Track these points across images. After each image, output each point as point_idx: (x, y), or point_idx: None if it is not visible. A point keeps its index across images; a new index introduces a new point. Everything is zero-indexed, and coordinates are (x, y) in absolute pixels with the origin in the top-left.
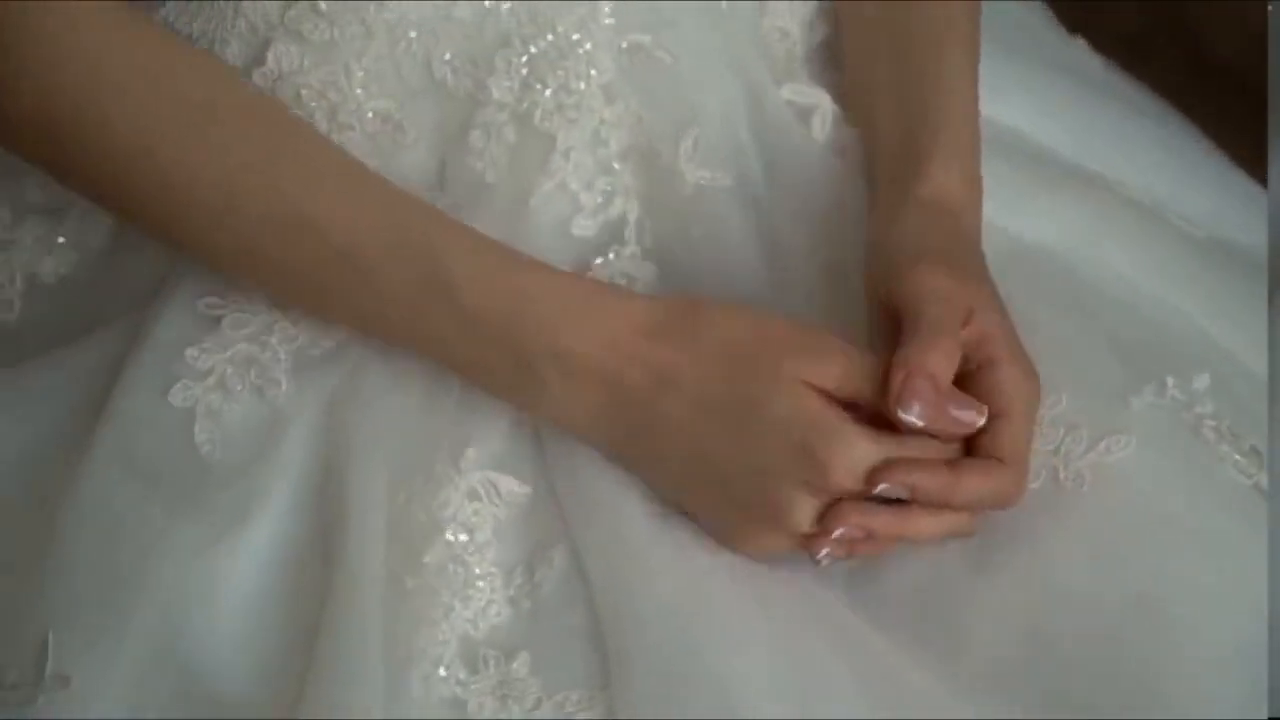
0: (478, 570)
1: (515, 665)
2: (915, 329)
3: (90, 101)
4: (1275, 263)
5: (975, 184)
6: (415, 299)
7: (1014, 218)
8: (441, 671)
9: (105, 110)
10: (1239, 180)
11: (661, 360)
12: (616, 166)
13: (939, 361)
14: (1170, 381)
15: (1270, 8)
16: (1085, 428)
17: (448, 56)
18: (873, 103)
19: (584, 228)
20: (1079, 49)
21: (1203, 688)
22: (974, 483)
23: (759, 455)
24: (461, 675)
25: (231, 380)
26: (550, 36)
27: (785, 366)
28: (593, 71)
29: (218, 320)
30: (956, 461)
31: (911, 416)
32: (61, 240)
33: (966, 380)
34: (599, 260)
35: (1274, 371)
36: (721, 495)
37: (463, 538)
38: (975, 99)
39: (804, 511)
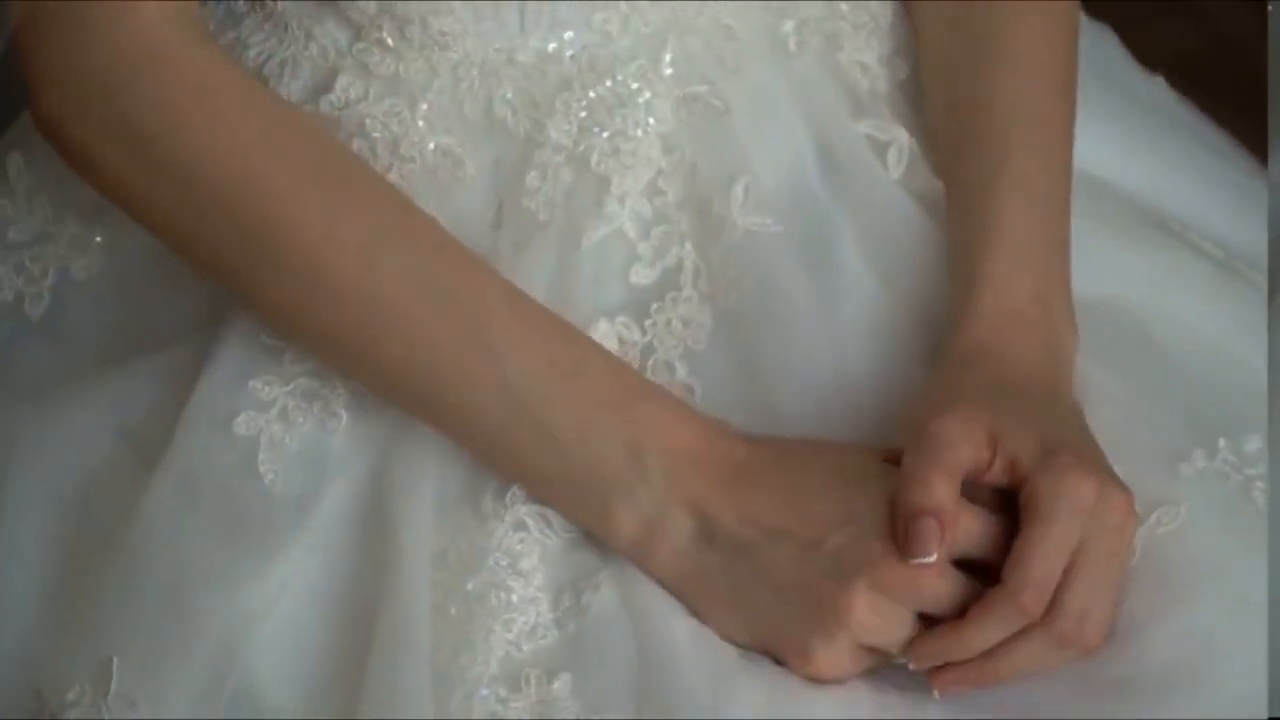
0: (520, 595)
1: (556, 685)
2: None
3: (239, 163)
4: (1275, 263)
5: (1040, 301)
6: (545, 384)
7: (1086, 271)
8: (483, 691)
9: (245, 166)
10: None
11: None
12: (673, 215)
13: (929, 496)
14: (1221, 444)
15: (1270, 8)
16: (1138, 501)
17: (509, 96)
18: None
19: (643, 275)
20: (1158, 86)
21: None
22: (976, 632)
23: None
24: (502, 693)
25: (293, 413)
26: (609, 83)
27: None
28: (650, 120)
29: (280, 353)
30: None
31: (929, 560)
32: (99, 239)
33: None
34: (656, 305)
35: (1274, 372)
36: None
37: (505, 564)
38: (1050, 188)
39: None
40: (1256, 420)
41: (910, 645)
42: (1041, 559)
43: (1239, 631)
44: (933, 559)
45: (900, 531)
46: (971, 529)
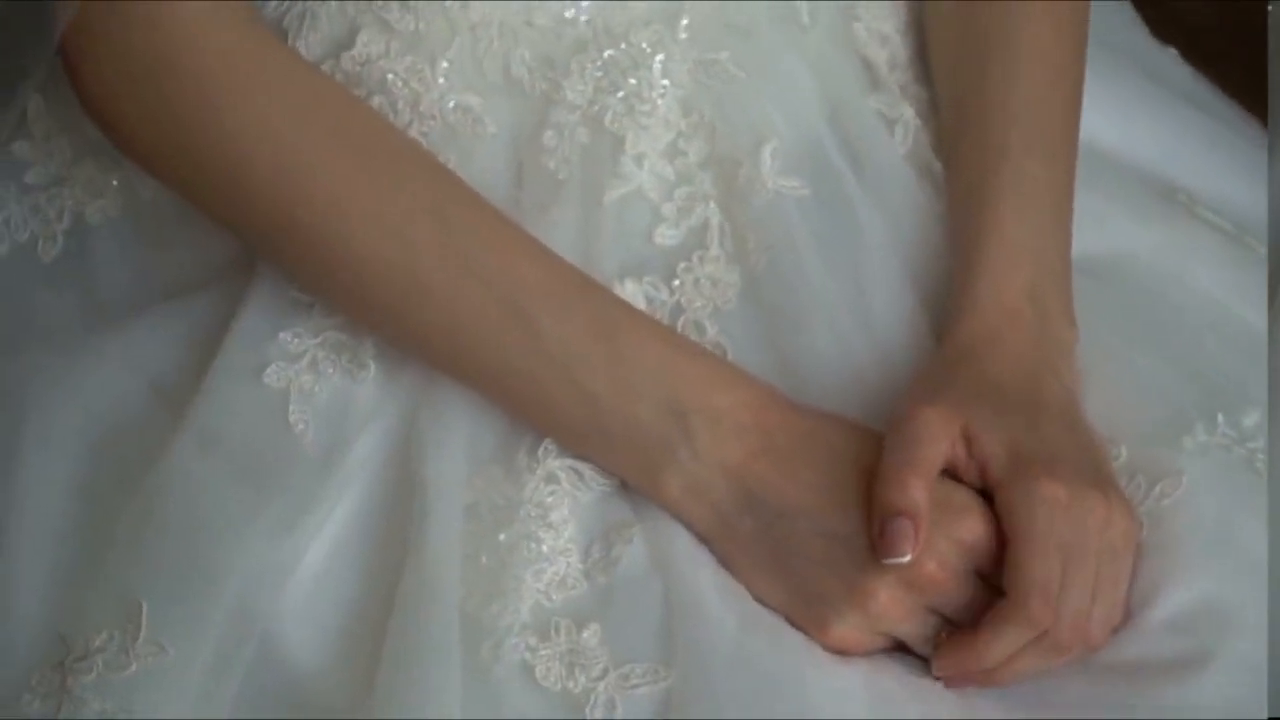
0: (551, 546)
1: (586, 635)
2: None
3: (275, 141)
4: (1275, 263)
5: (1035, 298)
6: (583, 345)
7: (1094, 236)
8: (514, 639)
9: (278, 142)
10: None
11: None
12: (697, 176)
13: (903, 497)
14: (1220, 419)
15: (1270, 8)
16: (1142, 475)
17: (526, 57)
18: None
19: (668, 236)
20: (1170, 58)
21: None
22: (992, 645)
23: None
24: (532, 642)
25: (323, 364)
26: (624, 45)
27: None
28: (665, 82)
29: (309, 305)
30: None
31: (903, 560)
32: (115, 183)
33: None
34: (683, 265)
35: (1274, 372)
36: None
37: (536, 516)
38: (1053, 181)
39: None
40: (1259, 390)
41: (934, 652)
42: (1036, 564)
43: (1249, 601)
44: (907, 559)
45: (875, 532)
46: (980, 533)
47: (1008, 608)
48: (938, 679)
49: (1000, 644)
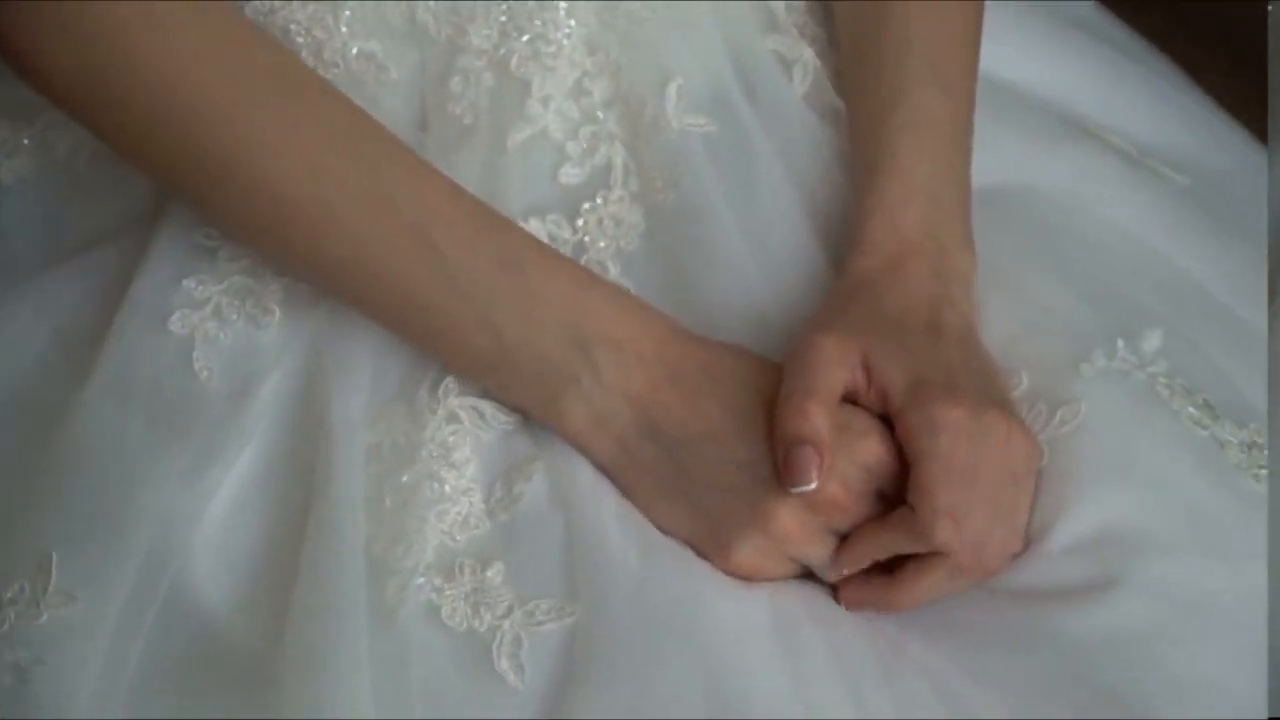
0: (453, 485)
1: (490, 574)
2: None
3: (178, 72)
4: (1275, 263)
5: (932, 232)
6: (489, 276)
7: (996, 165)
8: (419, 580)
9: (192, 79)
10: (1221, 124)
11: (709, 359)
12: (600, 115)
13: (806, 425)
14: (1120, 345)
15: (1270, 8)
16: (1043, 402)
17: (430, 2)
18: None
19: (572, 175)
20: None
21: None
22: (884, 539)
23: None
24: (437, 582)
25: (227, 310)
26: None
27: None
28: (571, 22)
29: (214, 252)
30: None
31: (809, 487)
32: (26, 142)
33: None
34: (587, 205)
35: (1274, 373)
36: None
37: (438, 456)
38: (951, 116)
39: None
40: (1160, 314)
41: (843, 584)
42: (940, 486)
43: (1154, 522)
44: (813, 486)
45: (780, 460)
46: (882, 455)
47: (912, 524)
48: (837, 602)
49: (921, 583)
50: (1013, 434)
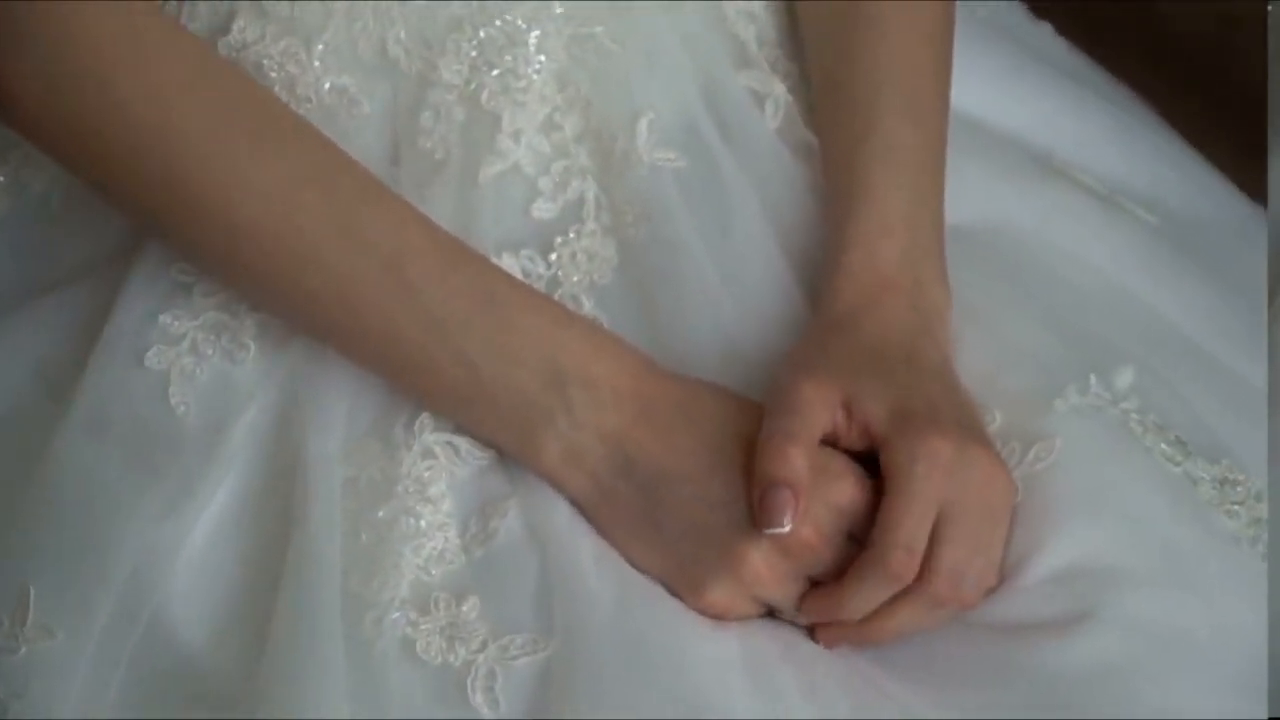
0: (429, 521)
1: (465, 608)
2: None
3: (152, 103)
4: (1275, 263)
5: (908, 265)
6: (464, 311)
7: (968, 203)
8: (394, 614)
9: (168, 111)
10: (1194, 165)
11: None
12: (572, 150)
13: (783, 467)
14: (1093, 380)
15: (1270, 8)
16: (1016, 439)
17: (401, 36)
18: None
19: (544, 210)
20: (1044, 32)
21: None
22: (854, 594)
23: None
24: (412, 615)
25: (203, 346)
26: (499, 23)
27: None
28: (541, 58)
29: (189, 287)
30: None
31: (782, 530)
32: (2, 180)
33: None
34: (560, 239)
35: (1274, 376)
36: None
37: (414, 491)
38: (923, 146)
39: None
40: (1133, 351)
41: (800, 600)
42: (906, 520)
43: (1128, 557)
44: (786, 529)
45: (755, 501)
46: (856, 498)
47: (868, 560)
48: (815, 641)
49: (862, 594)
50: (994, 468)
